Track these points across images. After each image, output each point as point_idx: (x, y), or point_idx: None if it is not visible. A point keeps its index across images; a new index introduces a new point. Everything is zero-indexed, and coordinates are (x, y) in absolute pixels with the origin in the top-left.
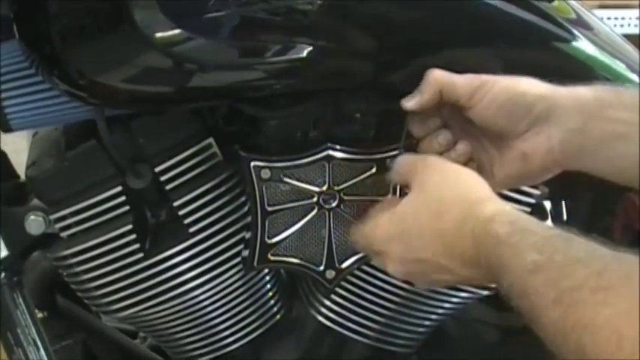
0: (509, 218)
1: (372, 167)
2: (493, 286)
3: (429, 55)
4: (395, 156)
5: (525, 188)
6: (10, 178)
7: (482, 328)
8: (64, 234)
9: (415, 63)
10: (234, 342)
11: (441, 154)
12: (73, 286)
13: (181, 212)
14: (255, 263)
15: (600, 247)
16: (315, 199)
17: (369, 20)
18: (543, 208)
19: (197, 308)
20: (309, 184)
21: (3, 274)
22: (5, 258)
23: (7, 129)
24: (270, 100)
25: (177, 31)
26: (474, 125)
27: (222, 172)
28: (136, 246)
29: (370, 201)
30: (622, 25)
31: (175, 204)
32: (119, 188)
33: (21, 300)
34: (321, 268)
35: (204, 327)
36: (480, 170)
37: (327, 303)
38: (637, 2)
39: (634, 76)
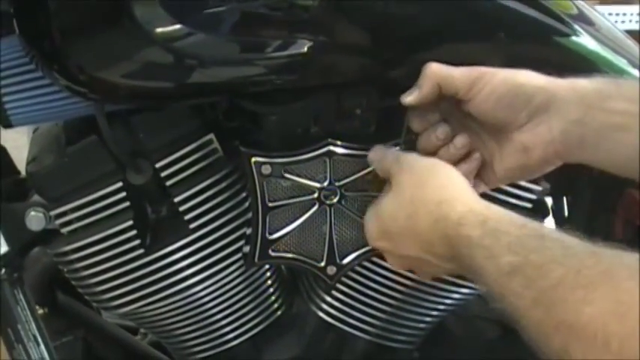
0: (479, 218)
1: None
2: None
3: (429, 51)
4: None
5: (526, 184)
6: (10, 174)
7: (483, 325)
8: (64, 230)
9: (416, 58)
10: (235, 338)
11: (440, 147)
12: (73, 282)
13: (182, 208)
14: (256, 259)
15: (576, 243)
16: (315, 195)
17: (369, 16)
18: (544, 204)
19: (198, 304)
20: (310, 179)
21: (3, 270)
22: (5, 254)
23: (8, 125)
24: (271, 95)
25: (177, 27)
26: (473, 119)
27: (223, 168)
28: (137, 242)
29: (371, 197)
30: (623, 22)
31: (176, 200)
32: (119, 184)
33: (21, 296)
34: (322, 264)
35: (204, 323)
36: (480, 165)
37: (328, 299)
38: None
39: (635, 72)
